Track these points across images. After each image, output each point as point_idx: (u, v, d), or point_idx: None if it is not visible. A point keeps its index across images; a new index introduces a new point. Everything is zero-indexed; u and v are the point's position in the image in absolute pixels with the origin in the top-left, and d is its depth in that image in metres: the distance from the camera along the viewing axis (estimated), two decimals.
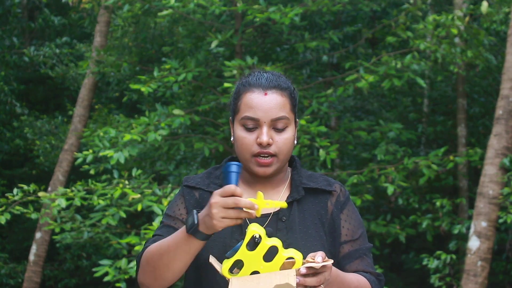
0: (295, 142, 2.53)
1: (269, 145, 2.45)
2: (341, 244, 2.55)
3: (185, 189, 2.58)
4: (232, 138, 2.51)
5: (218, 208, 2.23)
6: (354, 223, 2.58)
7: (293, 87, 2.55)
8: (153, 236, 2.55)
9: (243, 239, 2.31)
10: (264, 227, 2.37)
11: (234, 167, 2.29)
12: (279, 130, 2.47)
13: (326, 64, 11.27)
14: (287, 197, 2.53)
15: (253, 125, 2.44)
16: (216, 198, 2.24)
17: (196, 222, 2.28)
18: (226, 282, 2.32)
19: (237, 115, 2.46)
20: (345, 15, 11.15)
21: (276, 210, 2.50)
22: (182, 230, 2.33)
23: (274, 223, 2.48)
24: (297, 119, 2.54)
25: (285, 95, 2.48)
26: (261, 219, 2.46)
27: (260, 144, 2.44)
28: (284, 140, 2.46)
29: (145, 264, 2.42)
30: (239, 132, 2.45)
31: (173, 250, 2.33)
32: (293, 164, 2.63)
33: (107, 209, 8.35)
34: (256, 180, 2.54)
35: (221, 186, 2.44)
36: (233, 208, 2.24)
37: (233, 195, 2.23)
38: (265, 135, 2.43)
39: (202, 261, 2.42)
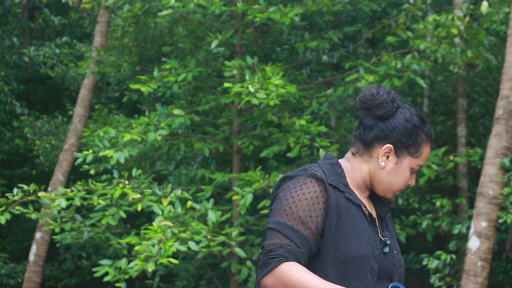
0: None
1: None
2: None
3: (330, 188, 2.52)
4: (383, 164, 2.63)
5: None
6: None
7: None
8: (286, 238, 2.46)
9: (382, 243, 2.57)
10: (384, 233, 2.63)
11: None
12: None
13: (326, 64, 11.26)
14: (382, 209, 2.71)
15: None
16: None
17: None
18: (373, 278, 2.49)
19: (416, 159, 2.66)
20: (345, 15, 11.15)
21: (374, 216, 2.65)
22: None
23: (382, 230, 2.65)
24: None
25: None
26: (372, 224, 2.60)
27: (408, 185, 2.71)
28: None
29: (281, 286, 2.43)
30: (407, 172, 2.66)
31: None
32: None
33: (107, 209, 8.35)
34: (366, 189, 2.67)
35: (346, 185, 2.57)
36: None
37: None
38: (414, 180, 2.73)
39: (349, 256, 2.48)
